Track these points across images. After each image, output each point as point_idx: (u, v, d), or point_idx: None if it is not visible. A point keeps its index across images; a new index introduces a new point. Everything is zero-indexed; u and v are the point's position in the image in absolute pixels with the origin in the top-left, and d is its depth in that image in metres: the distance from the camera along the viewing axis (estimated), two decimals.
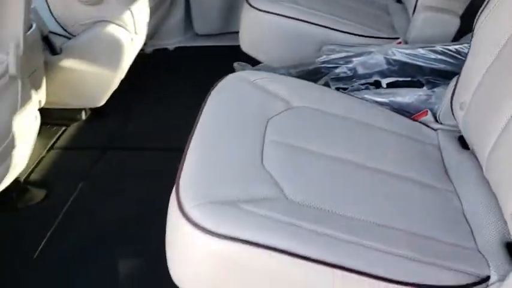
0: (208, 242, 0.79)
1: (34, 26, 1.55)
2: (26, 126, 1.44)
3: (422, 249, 0.83)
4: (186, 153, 0.91)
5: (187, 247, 0.83)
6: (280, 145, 0.98)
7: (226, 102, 1.07)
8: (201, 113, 1.02)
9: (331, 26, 1.66)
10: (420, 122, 1.20)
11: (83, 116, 1.98)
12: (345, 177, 0.95)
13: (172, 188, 0.89)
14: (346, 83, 1.53)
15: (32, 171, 1.70)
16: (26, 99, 1.40)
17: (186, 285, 0.87)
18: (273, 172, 0.91)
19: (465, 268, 0.82)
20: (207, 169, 0.88)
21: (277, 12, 1.70)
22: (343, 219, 0.85)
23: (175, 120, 1.82)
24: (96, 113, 1.98)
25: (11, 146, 1.35)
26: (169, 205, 0.88)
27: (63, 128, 1.93)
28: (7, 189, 1.48)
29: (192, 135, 0.95)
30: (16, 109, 1.35)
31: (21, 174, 1.58)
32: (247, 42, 1.81)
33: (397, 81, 1.50)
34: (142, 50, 2.16)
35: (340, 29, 1.66)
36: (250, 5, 1.74)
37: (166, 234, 0.90)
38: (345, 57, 1.56)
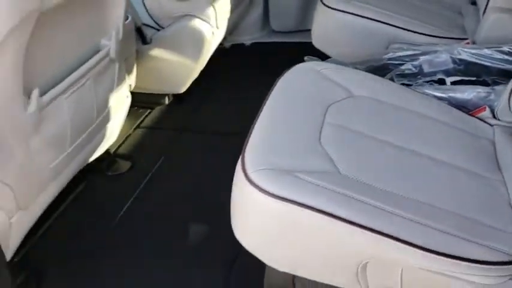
0: (266, 202, 0.91)
1: (130, 17, 1.76)
2: (119, 103, 1.66)
3: (461, 226, 0.90)
4: (253, 127, 1.05)
5: (248, 206, 0.97)
6: (337, 127, 1.09)
7: (292, 86, 1.20)
8: (269, 95, 1.16)
9: (401, 25, 1.73)
10: (477, 118, 1.25)
11: (166, 100, 2.19)
12: (396, 159, 1.04)
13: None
14: (410, 80, 1.59)
15: (120, 146, 1.93)
16: (120, 80, 1.62)
17: (246, 240, 0.99)
18: (328, 150, 1.02)
19: (502, 247, 0.88)
20: (270, 141, 1.01)
21: (349, 11, 1.79)
22: (390, 194, 0.93)
23: (245, 108, 1.97)
24: (177, 98, 2.19)
25: (107, 118, 1.57)
26: (236, 170, 1.01)
27: (148, 111, 2.16)
28: (99, 159, 1.71)
29: (260, 113, 1.09)
30: (112, 88, 1.56)
31: (111, 146, 1.82)
32: (318, 38, 1.92)
33: (462, 80, 1.53)
34: (221, 44, 2.35)
35: (409, 28, 1.72)
36: (324, 3, 1.85)
37: (231, 196, 1.03)
38: (412, 55, 1.62)
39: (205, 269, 1.40)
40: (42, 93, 1.18)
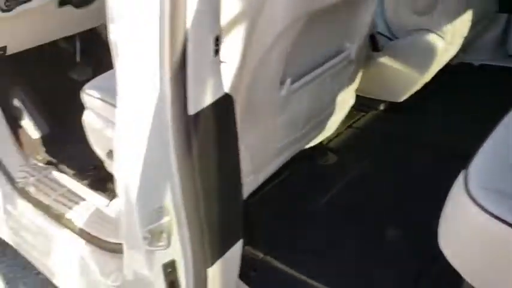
0: (486, 223, 0.93)
1: None
2: (344, 102, 1.81)
3: None
4: (483, 145, 1.07)
5: (464, 221, 1.00)
6: None
7: None
8: (505, 116, 1.14)
9: None
10: None
11: (381, 107, 2.28)
12: None
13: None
14: None
15: (331, 140, 2.09)
16: (351, 80, 1.76)
17: (450, 250, 1.02)
18: None
19: None
20: (500, 163, 1.02)
21: None
22: None
23: (461, 127, 1.95)
24: (393, 106, 2.25)
25: (331, 113, 1.73)
26: (455, 184, 1.04)
27: (362, 114, 2.28)
28: (313, 147, 1.90)
29: (492, 133, 1.10)
30: (343, 87, 1.71)
31: (324, 140, 1.99)
32: None
33: None
34: (449, 61, 2.32)
35: None
36: None
37: (444, 207, 1.07)
38: None
39: (400, 263, 1.48)
40: (292, 82, 1.39)
